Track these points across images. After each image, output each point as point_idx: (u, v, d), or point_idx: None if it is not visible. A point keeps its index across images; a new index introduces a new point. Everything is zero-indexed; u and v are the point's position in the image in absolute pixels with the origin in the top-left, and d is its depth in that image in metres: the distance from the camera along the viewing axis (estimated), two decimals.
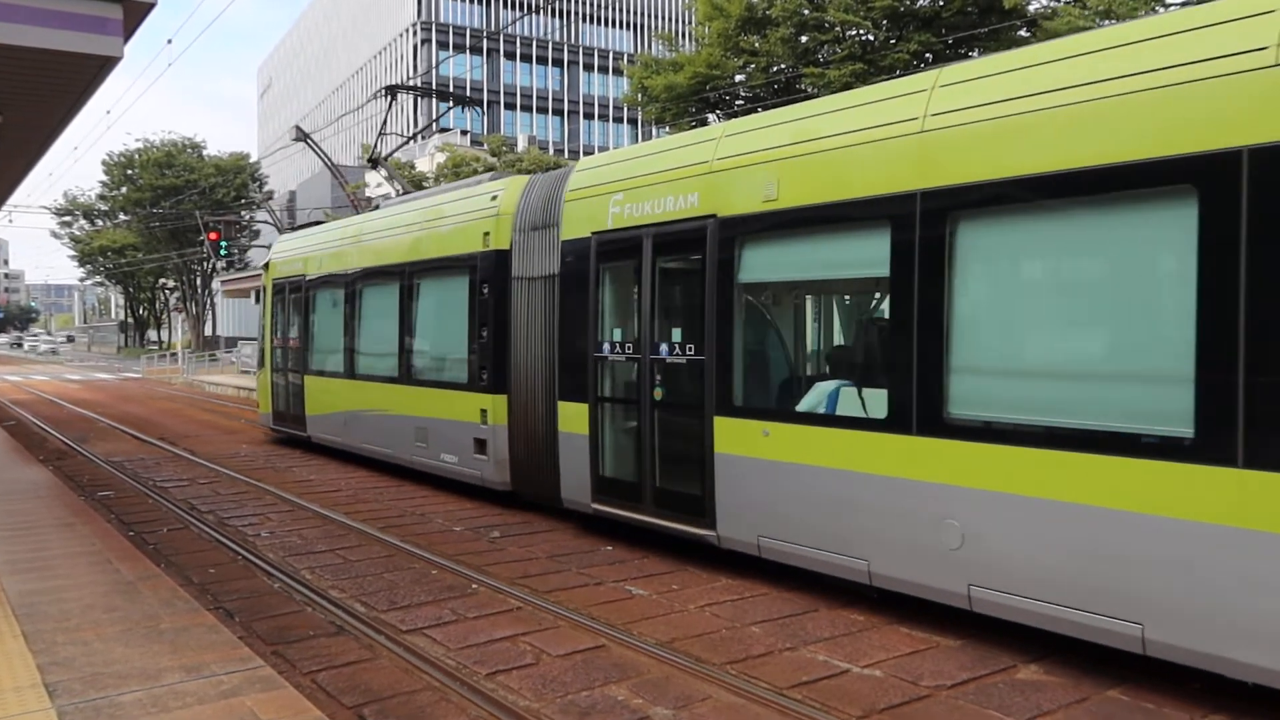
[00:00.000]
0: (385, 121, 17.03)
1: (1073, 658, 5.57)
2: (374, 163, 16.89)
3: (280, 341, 16.19)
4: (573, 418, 9.00)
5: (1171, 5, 17.43)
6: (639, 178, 8.43)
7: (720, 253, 7.50)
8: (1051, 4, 16.78)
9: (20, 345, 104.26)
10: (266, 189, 69.62)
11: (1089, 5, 17.88)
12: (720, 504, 7.49)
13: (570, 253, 9.09)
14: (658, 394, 8.09)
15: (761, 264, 7.56)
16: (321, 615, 6.60)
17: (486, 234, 10.47)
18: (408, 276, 12.20)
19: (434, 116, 77.55)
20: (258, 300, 31.92)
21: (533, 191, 10.19)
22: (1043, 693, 5.20)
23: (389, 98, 16.13)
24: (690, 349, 7.79)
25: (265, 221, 54.07)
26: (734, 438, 7.37)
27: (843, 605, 6.74)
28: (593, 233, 8.76)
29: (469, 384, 10.67)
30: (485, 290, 10.42)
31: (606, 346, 8.65)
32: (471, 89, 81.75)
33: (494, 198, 10.55)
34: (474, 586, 7.31)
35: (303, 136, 17.81)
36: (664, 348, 8.04)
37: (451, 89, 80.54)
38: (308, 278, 15.16)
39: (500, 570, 7.80)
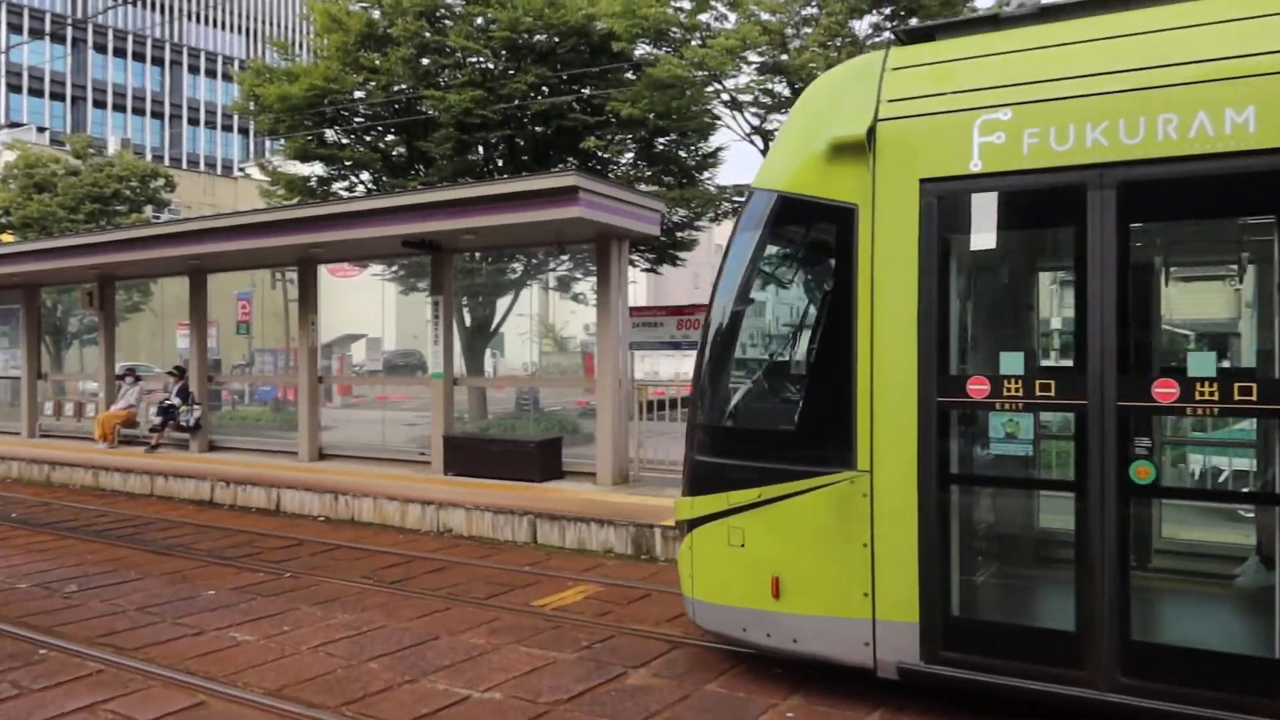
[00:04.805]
0: None
1: (677, 663, 5.99)
2: None
3: (1030, 389, 4.65)
4: None
5: None
6: None
7: None
8: (654, 53, 18.16)
9: None
10: None
11: None
12: None
13: None
14: None
15: None
16: None
17: None
18: None
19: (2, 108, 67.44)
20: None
21: None
22: (650, 695, 5.53)
23: None
24: None
25: None
26: None
27: (462, 631, 6.73)
28: None
29: None
30: None
31: None
32: (52, 81, 72.18)
33: None
34: (42, 652, 6.35)
35: None
36: None
37: (27, 78, 70.64)
38: None
39: (77, 630, 6.85)
